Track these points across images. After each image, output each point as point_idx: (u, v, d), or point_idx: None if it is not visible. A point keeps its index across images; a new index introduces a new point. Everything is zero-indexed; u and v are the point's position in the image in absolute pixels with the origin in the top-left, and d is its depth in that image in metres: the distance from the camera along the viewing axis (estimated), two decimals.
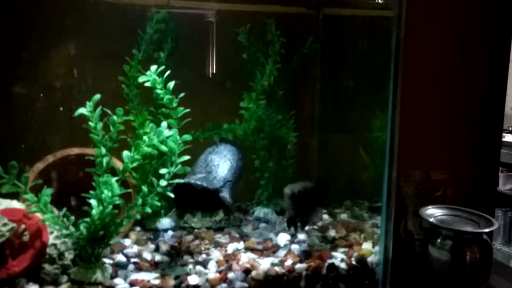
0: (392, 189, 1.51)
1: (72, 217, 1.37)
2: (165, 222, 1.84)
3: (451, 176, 1.83)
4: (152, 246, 1.67)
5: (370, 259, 1.58)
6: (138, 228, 1.82)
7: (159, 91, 1.56)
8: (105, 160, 1.42)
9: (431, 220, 1.54)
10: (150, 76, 1.56)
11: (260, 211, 1.96)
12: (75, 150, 1.71)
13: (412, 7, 1.48)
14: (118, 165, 1.53)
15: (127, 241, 1.70)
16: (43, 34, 1.86)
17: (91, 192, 1.39)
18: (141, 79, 1.59)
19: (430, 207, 1.64)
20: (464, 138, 1.89)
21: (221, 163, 1.87)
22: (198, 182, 1.76)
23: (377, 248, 1.61)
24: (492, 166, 1.81)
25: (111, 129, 1.46)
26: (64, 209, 1.37)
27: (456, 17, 1.78)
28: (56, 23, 1.86)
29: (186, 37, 1.97)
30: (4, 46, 1.82)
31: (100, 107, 1.43)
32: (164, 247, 1.64)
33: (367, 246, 1.68)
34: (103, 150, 1.42)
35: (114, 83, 1.82)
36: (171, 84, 1.56)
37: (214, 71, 2.08)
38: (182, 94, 1.57)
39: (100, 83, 1.92)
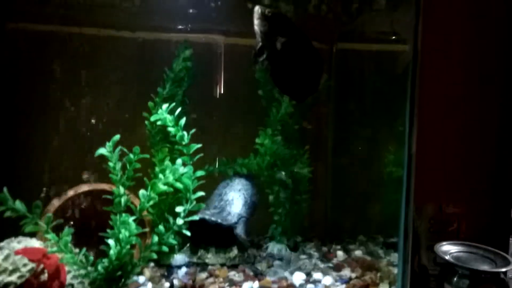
0: (409, 229, 1.50)
1: (91, 257, 1.38)
2: (179, 258, 1.84)
3: (465, 210, 1.82)
4: (166, 284, 1.66)
5: None
6: (152, 264, 1.82)
7: (171, 129, 1.60)
8: (123, 199, 1.44)
9: (447, 257, 1.53)
10: (161, 115, 1.60)
11: (273, 247, 1.95)
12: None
13: (428, 42, 1.50)
14: (135, 201, 1.54)
15: (141, 278, 1.69)
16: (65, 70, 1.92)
17: (109, 231, 1.41)
18: (153, 118, 1.64)
19: (445, 243, 1.63)
20: (478, 171, 1.89)
21: (235, 199, 1.88)
22: (213, 218, 1.77)
23: None
24: (507, 199, 1.80)
25: (128, 167, 1.48)
26: (84, 249, 1.39)
27: (471, 53, 1.80)
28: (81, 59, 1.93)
29: (202, 72, 2.01)
30: (33, 83, 1.89)
31: (119, 147, 1.46)
32: (178, 285, 1.64)
33: (384, 286, 1.66)
34: (121, 190, 1.44)
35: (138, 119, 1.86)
36: (183, 121, 1.60)
37: (229, 106, 2.11)
38: (193, 130, 1.61)
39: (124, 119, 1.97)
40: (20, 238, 1.47)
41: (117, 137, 1.45)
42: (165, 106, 1.63)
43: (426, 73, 1.54)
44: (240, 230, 1.79)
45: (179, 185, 1.53)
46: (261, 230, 2.11)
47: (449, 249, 1.60)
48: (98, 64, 1.95)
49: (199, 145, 1.61)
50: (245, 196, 1.91)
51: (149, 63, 1.99)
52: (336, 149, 2.21)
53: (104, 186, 1.70)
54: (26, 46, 1.89)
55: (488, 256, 1.56)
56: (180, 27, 2.02)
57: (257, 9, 1.37)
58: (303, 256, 1.92)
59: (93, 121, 1.94)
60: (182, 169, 1.52)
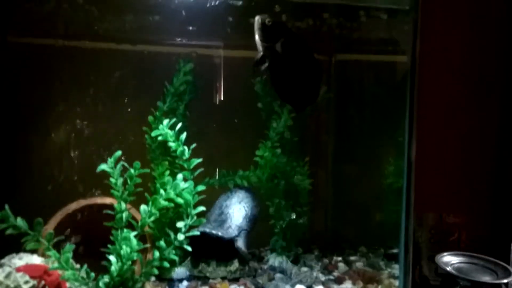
0: (409, 240, 1.50)
1: (92, 274, 1.38)
2: (180, 271, 1.83)
3: (466, 220, 1.82)
4: None
5: None
6: (153, 278, 1.81)
7: (171, 144, 1.61)
8: (124, 215, 1.44)
9: (448, 269, 1.53)
10: (162, 130, 1.62)
11: (274, 260, 1.94)
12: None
13: (427, 54, 1.51)
14: (136, 214, 1.55)
15: None
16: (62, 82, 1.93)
17: (110, 246, 1.41)
18: (154, 133, 1.65)
19: (446, 254, 1.62)
20: (478, 180, 1.89)
21: (235, 211, 1.88)
22: (213, 231, 1.76)
23: None
24: (508, 207, 1.80)
25: (129, 182, 1.49)
26: (85, 266, 1.39)
27: (469, 64, 1.81)
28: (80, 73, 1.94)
29: (203, 85, 2.02)
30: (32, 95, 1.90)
31: (121, 163, 1.46)
32: None
33: None
34: (123, 206, 1.45)
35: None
36: (183, 136, 1.60)
37: (229, 118, 2.12)
38: (193, 145, 1.62)
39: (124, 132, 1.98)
40: (21, 254, 1.47)
41: (118, 153, 1.46)
42: (165, 121, 1.64)
43: (425, 76, 1.53)
44: (241, 243, 1.78)
45: (180, 200, 1.54)
46: (262, 243, 2.11)
47: (450, 260, 1.59)
48: (99, 77, 1.97)
49: (200, 160, 1.61)
50: (245, 208, 1.91)
51: (150, 76, 2.00)
52: (337, 160, 2.21)
53: (106, 200, 1.70)
54: (27, 59, 1.90)
55: (489, 267, 1.56)
56: (180, 40, 2.04)
57: (257, 18, 1.39)
58: (304, 269, 1.92)
59: (91, 132, 1.95)
60: (183, 184, 1.53)
